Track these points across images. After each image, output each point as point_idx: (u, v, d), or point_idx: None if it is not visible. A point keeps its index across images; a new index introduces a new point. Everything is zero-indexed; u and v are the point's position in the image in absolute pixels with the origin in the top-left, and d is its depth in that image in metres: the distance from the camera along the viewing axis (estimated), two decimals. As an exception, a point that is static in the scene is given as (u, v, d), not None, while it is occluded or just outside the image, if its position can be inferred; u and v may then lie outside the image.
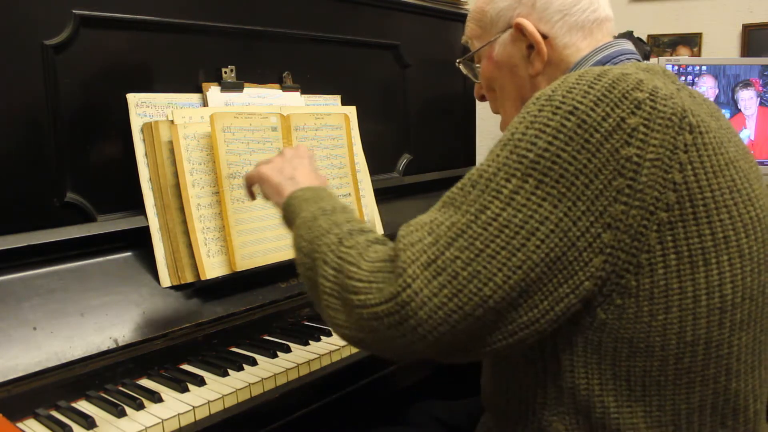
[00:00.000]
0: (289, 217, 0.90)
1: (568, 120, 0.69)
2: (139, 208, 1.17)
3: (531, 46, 0.91)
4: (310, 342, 1.14)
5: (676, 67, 2.32)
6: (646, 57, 3.01)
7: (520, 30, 0.90)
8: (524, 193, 0.68)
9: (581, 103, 0.69)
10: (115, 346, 1.03)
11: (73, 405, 0.94)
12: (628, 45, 0.91)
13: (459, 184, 0.74)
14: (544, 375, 0.78)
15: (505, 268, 0.67)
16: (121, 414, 0.90)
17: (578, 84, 0.71)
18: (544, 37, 0.90)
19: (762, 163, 2.34)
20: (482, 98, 1.05)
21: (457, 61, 1.06)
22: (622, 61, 0.87)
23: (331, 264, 0.76)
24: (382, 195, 1.61)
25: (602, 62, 0.87)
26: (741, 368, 0.76)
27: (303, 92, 1.48)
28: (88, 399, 0.96)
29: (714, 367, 0.74)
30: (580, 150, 0.68)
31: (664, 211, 0.69)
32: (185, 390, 0.97)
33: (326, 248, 0.78)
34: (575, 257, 0.68)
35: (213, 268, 1.18)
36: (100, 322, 1.04)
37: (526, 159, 0.69)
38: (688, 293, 0.71)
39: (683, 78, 2.32)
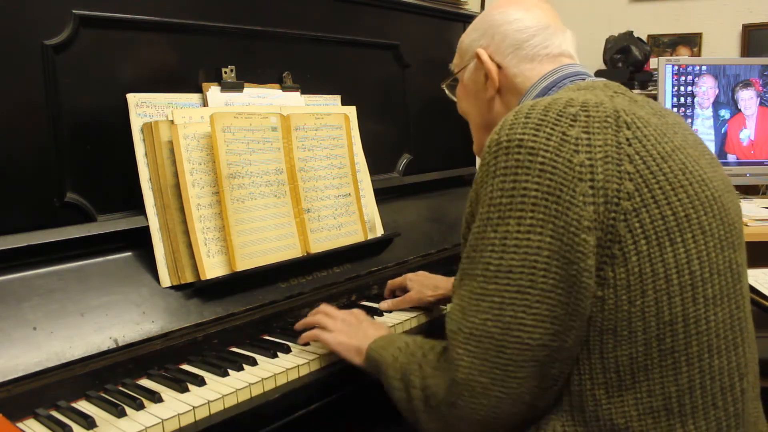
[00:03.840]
0: (374, 365, 0.99)
1: (519, 153, 0.76)
2: (139, 208, 1.17)
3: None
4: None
5: (676, 67, 2.32)
6: (646, 57, 3.01)
7: (479, 58, 1.01)
8: (511, 236, 0.76)
9: (524, 134, 0.77)
10: (115, 346, 1.03)
11: (73, 405, 0.93)
12: (574, 68, 0.99)
13: (465, 253, 0.82)
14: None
15: (529, 310, 0.75)
16: (121, 414, 0.90)
17: (516, 120, 0.79)
18: (499, 66, 1.01)
19: (762, 163, 2.34)
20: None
21: (442, 84, 1.20)
22: (565, 84, 0.96)
23: (418, 384, 0.87)
24: (382, 195, 1.61)
25: (547, 88, 0.97)
26: (722, 345, 0.79)
27: (303, 92, 1.48)
28: (88, 399, 0.96)
29: (696, 345, 0.77)
30: (539, 174, 0.75)
31: (627, 200, 0.74)
32: (185, 390, 0.97)
33: (409, 376, 0.89)
34: (577, 270, 0.75)
35: (213, 268, 1.18)
36: (100, 322, 1.04)
37: (502, 205, 0.77)
38: (660, 274, 0.76)
39: (683, 78, 2.32)
